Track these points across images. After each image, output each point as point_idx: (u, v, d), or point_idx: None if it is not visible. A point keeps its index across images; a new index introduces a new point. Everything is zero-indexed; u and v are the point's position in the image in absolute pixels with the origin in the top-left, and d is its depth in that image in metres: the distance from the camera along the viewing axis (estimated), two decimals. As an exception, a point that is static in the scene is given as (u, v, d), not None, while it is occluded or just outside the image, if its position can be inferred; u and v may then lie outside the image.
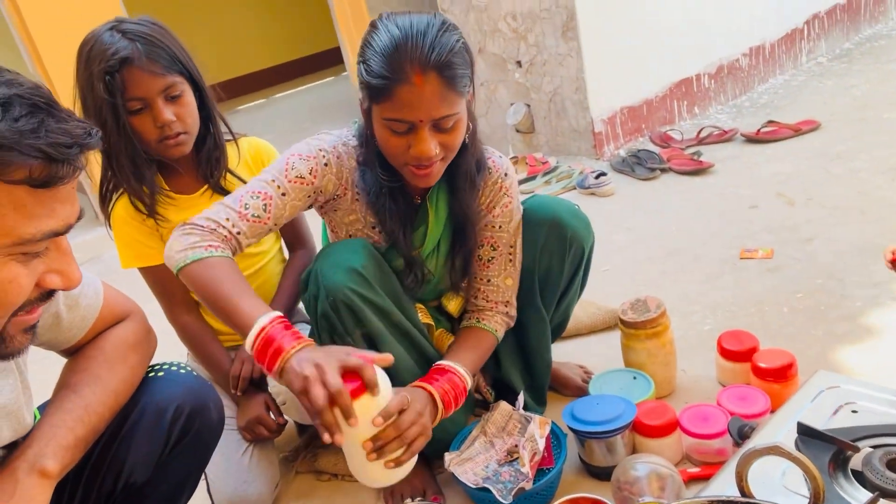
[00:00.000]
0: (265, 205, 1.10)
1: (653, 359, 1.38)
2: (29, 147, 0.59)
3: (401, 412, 1.01)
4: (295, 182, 1.13)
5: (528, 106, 3.01)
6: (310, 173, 1.14)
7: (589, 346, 1.65)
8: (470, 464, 1.23)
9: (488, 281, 1.29)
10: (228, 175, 1.37)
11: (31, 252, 0.65)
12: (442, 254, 1.28)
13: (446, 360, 1.20)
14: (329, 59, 5.92)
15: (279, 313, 1.00)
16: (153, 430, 0.93)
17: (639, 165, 2.64)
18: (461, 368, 1.18)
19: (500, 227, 1.26)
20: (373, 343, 1.17)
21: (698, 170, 2.53)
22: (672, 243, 2.07)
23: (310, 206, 1.21)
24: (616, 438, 1.20)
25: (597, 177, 2.57)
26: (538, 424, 1.22)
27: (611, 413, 1.21)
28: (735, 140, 2.79)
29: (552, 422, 1.26)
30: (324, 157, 1.15)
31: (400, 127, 1.04)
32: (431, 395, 1.11)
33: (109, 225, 1.34)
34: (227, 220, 1.08)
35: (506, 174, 1.25)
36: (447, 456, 1.23)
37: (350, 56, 3.74)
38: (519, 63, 2.95)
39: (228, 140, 1.39)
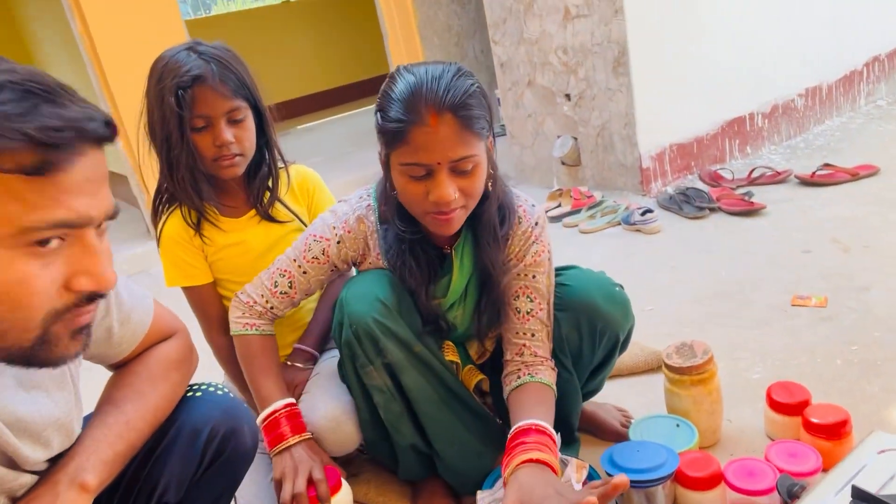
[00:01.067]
0: (290, 282, 1.25)
1: (698, 407, 1.33)
2: (12, 131, 0.57)
3: None
4: (312, 262, 1.23)
5: (576, 139, 3.00)
6: (323, 254, 1.22)
7: (629, 387, 1.61)
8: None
9: (532, 335, 1.22)
10: (277, 203, 1.39)
11: (39, 241, 0.61)
12: (469, 303, 1.25)
13: (524, 419, 1.12)
14: (379, 85, 6.03)
15: (291, 400, 1.23)
16: (188, 451, 0.93)
17: (687, 203, 2.59)
18: (543, 423, 1.10)
19: (534, 276, 1.22)
20: (394, 373, 1.17)
21: (749, 211, 2.47)
22: (720, 285, 2.01)
23: (339, 275, 1.31)
24: (657, 489, 1.15)
25: (643, 213, 2.53)
26: (575, 468, 1.18)
27: (652, 461, 1.17)
28: (789, 182, 2.72)
29: (590, 466, 1.22)
30: (336, 235, 1.20)
31: (417, 171, 1.04)
32: (543, 462, 1.05)
33: (158, 242, 1.37)
34: (262, 296, 1.26)
35: (536, 223, 1.21)
36: (479, 494, 1.19)
37: (400, 84, 3.80)
38: (568, 96, 2.95)
39: (280, 167, 1.41)
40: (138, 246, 3.18)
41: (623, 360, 1.64)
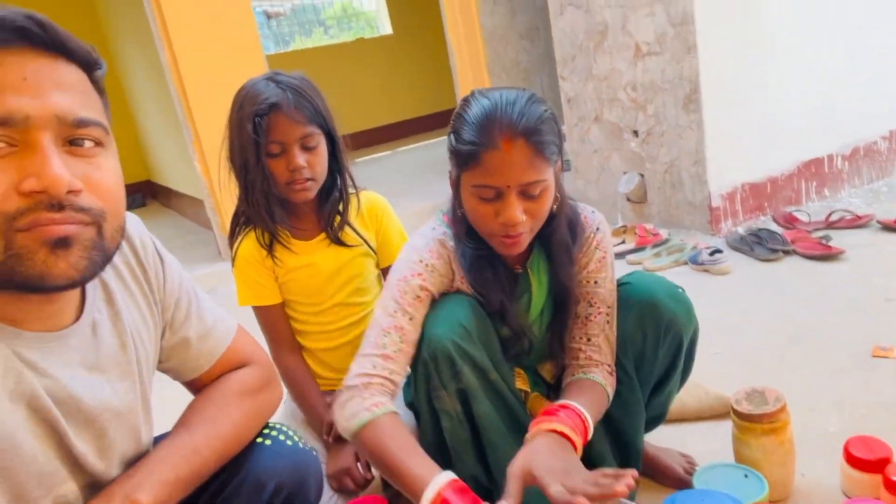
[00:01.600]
0: (400, 336, 1.14)
1: (768, 457, 1.26)
2: None
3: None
4: (414, 303, 1.16)
5: (642, 176, 2.96)
6: (422, 289, 1.16)
7: (695, 433, 1.54)
8: None
9: (588, 340, 1.23)
10: (346, 227, 1.42)
11: None
12: (544, 322, 1.25)
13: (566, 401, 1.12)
14: (447, 119, 6.14)
15: (453, 476, 1.01)
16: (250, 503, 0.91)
17: (759, 245, 2.50)
18: (579, 406, 1.10)
19: (595, 282, 1.22)
20: (466, 400, 1.16)
21: (827, 255, 2.36)
22: (794, 331, 1.92)
23: None
24: (722, 541, 1.10)
25: (711, 253, 2.46)
26: None
27: (718, 512, 1.11)
28: (870, 227, 2.59)
29: None
30: (427, 265, 1.18)
31: (487, 193, 1.06)
32: (564, 435, 1.04)
33: (233, 262, 1.42)
34: (374, 367, 1.12)
35: (598, 228, 1.23)
36: None
37: (467, 117, 3.86)
38: (636, 133, 2.92)
39: (351, 193, 1.45)
40: (208, 266, 3.31)
41: (688, 403, 1.58)
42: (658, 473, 1.40)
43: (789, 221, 2.72)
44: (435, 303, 1.20)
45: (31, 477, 0.71)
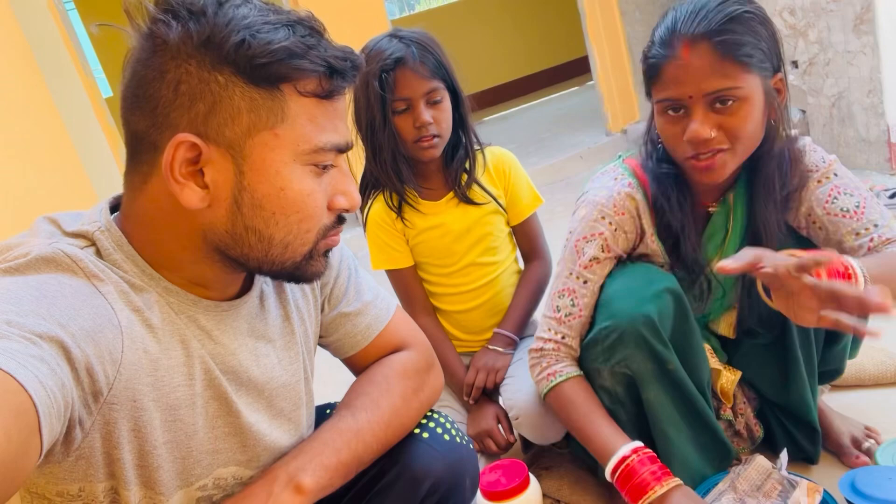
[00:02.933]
0: (572, 301, 1.12)
1: (975, 432, 1.08)
2: (316, 57, 0.66)
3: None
4: (591, 266, 1.11)
5: (804, 112, 2.64)
6: (603, 250, 1.11)
7: (874, 401, 1.36)
8: None
9: (876, 226, 1.04)
10: (474, 185, 1.38)
11: (321, 164, 0.70)
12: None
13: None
14: (574, 69, 5.89)
15: (639, 444, 1.05)
16: (403, 501, 0.89)
17: (952, 184, 2.15)
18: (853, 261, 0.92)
19: (835, 174, 1.07)
20: (631, 383, 1.10)
21: None
22: None
23: None
24: (917, 527, 0.95)
25: (892, 196, 2.16)
26: (805, 492, 1.02)
27: (911, 494, 0.96)
28: None
29: (825, 491, 1.04)
30: (611, 224, 1.10)
31: (673, 107, 0.98)
32: None
33: (364, 227, 1.43)
34: (549, 329, 1.15)
35: (803, 146, 1.07)
36: None
37: (598, 64, 3.64)
38: (795, 63, 2.60)
39: (476, 149, 1.41)
40: (346, 232, 3.43)
41: (866, 368, 1.39)
42: (823, 437, 1.24)
43: None
44: (626, 270, 1.12)
45: (199, 453, 0.73)
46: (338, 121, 0.70)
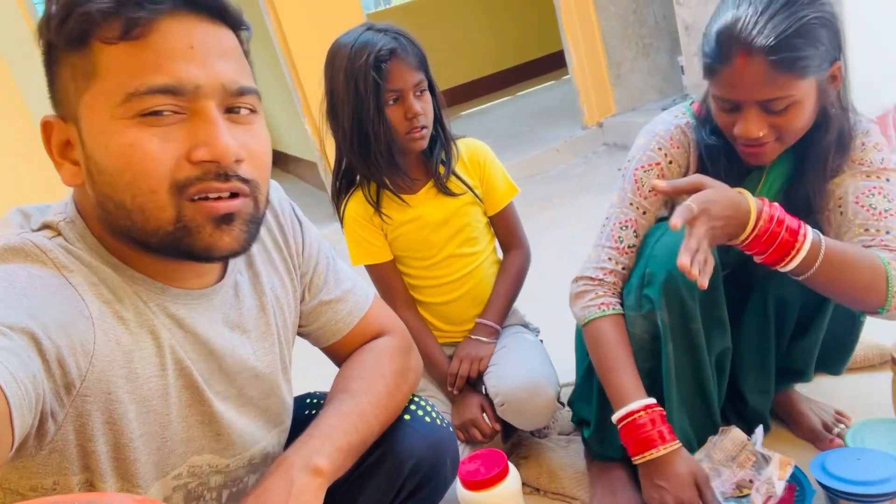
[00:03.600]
0: (635, 231, 1.15)
1: (938, 413, 1.12)
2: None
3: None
4: (650, 196, 1.14)
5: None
6: (661, 177, 1.14)
7: (845, 385, 1.40)
8: None
9: (888, 232, 1.06)
10: (452, 175, 1.39)
11: (146, 111, 0.62)
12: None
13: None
14: (550, 63, 5.91)
15: (652, 401, 1.08)
16: (387, 481, 0.91)
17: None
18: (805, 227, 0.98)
19: (888, 179, 1.08)
20: (657, 334, 1.12)
21: None
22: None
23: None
24: (884, 506, 0.99)
25: None
26: (778, 465, 1.05)
27: (878, 473, 1.00)
28: None
29: (795, 466, 1.08)
30: (667, 155, 1.14)
31: (726, 105, 1.02)
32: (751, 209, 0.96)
33: (341, 223, 1.43)
34: (610, 259, 1.16)
35: (867, 132, 1.09)
36: None
37: (574, 58, 3.66)
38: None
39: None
40: (324, 227, 3.42)
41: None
42: (792, 421, 1.28)
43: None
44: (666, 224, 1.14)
45: (173, 443, 0.73)
46: (165, 59, 0.62)
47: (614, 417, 1.10)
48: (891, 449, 1.08)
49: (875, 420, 1.18)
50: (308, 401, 1.00)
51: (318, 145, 3.39)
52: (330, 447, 0.77)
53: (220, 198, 0.66)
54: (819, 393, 1.37)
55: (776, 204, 0.99)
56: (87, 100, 0.64)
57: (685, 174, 1.15)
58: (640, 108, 3.76)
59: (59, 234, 0.68)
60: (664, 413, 1.09)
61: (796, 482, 1.09)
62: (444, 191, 1.38)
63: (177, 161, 0.64)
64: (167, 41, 0.63)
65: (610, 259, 1.15)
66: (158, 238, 0.66)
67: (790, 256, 0.97)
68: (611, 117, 3.72)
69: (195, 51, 0.64)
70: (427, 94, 1.32)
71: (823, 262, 0.97)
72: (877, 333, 1.42)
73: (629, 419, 1.07)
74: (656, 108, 3.54)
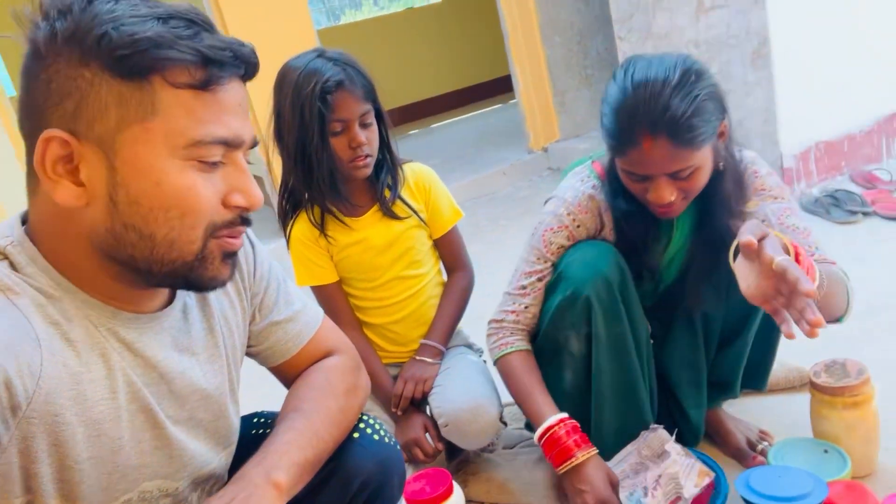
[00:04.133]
0: (539, 278, 1.26)
1: (851, 432, 1.20)
2: (185, 47, 0.64)
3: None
4: (558, 252, 1.25)
5: (707, 138, 2.83)
6: (568, 239, 1.24)
7: (768, 406, 1.48)
8: (619, 487, 1.18)
9: (818, 248, 1.18)
10: (397, 199, 1.41)
11: (206, 160, 0.67)
12: (672, 269, 1.27)
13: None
14: (498, 87, 6.03)
15: (565, 415, 1.19)
16: (336, 497, 0.90)
17: (836, 207, 2.36)
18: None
19: (781, 198, 1.20)
20: (589, 345, 1.21)
21: (911, 216, 2.21)
22: (877, 298, 1.80)
23: None
24: (802, 520, 1.05)
25: (783, 217, 2.33)
26: (697, 473, 1.12)
27: (797, 489, 1.06)
28: (960, 183, 2.40)
29: (719, 475, 1.15)
30: (575, 220, 1.23)
31: (635, 178, 1.09)
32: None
33: (288, 244, 1.43)
34: (514, 303, 1.28)
35: (771, 188, 1.20)
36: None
37: (520, 84, 3.76)
38: (699, 92, 2.78)
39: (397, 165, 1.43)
40: (272, 242, 3.37)
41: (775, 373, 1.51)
42: (719, 438, 1.35)
43: (869, 181, 2.56)
44: (578, 247, 1.23)
45: (125, 468, 0.72)
46: (225, 114, 0.67)
47: (535, 437, 1.19)
48: (809, 467, 1.15)
49: (796, 439, 1.25)
50: (255, 420, 0.99)
51: (265, 162, 3.36)
52: (287, 462, 0.77)
53: (233, 236, 0.72)
54: (745, 413, 1.44)
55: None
56: (138, 133, 0.64)
57: (596, 233, 1.26)
58: (583, 135, 3.88)
59: (6, 258, 0.67)
60: (577, 424, 1.19)
61: (715, 481, 1.17)
62: (390, 214, 1.40)
63: (217, 204, 0.69)
64: (228, 97, 0.68)
65: (514, 303, 1.27)
66: (173, 268, 0.69)
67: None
68: (555, 143, 3.82)
69: (241, 108, 0.70)
70: (373, 125, 1.33)
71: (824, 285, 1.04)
72: (798, 357, 1.52)
73: (548, 434, 1.17)
74: (598, 136, 3.66)
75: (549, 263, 1.25)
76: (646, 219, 1.19)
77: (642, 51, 2.94)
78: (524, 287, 1.26)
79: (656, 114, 1.00)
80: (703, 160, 1.06)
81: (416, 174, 1.46)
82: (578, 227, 1.24)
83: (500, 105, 5.84)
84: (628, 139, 1.03)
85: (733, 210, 1.16)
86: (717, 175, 1.12)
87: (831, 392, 1.20)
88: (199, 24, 0.66)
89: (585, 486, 1.15)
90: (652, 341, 1.34)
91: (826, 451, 1.19)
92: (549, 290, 1.25)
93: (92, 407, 0.68)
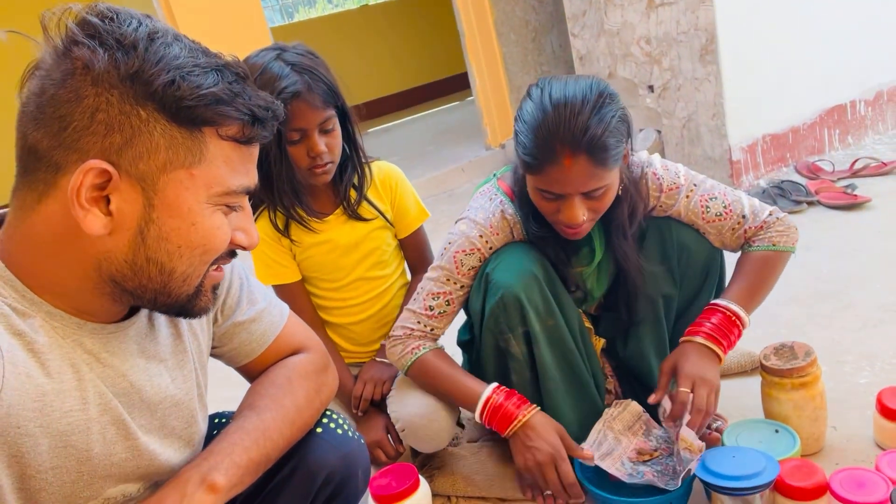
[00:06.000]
0: (447, 300, 1.26)
1: (799, 412, 1.25)
2: (242, 105, 0.68)
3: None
4: (469, 273, 1.26)
5: (659, 132, 2.90)
6: (480, 261, 1.25)
7: (722, 390, 1.50)
8: (609, 459, 1.22)
9: (743, 217, 1.26)
10: (363, 201, 1.40)
11: (232, 205, 0.72)
12: (603, 274, 1.30)
13: (721, 298, 1.25)
14: (455, 84, 6.05)
15: (496, 383, 1.21)
16: (300, 492, 0.91)
17: (782, 198, 2.45)
18: (727, 303, 1.22)
19: (695, 185, 1.26)
20: (530, 342, 1.23)
21: (852, 204, 2.31)
22: (820, 284, 1.88)
23: None
24: (755, 497, 1.09)
25: (733, 208, 2.41)
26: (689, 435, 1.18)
27: (750, 468, 1.10)
28: (895, 174, 2.52)
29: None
30: (487, 242, 1.24)
31: (550, 196, 1.11)
32: (700, 345, 1.20)
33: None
34: (419, 323, 1.27)
35: (655, 171, 1.26)
36: (586, 446, 1.23)
37: (477, 82, 3.79)
38: (651, 88, 2.85)
39: (364, 163, 1.41)
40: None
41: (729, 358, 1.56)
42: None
43: (813, 172, 2.66)
44: (500, 252, 1.24)
45: (90, 478, 0.71)
46: (250, 165, 0.72)
47: (476, 414, 1.21)
48: (762, 446, 1.20)
49: (748, 420, 1.29)
50: (216, 420, 0.98)
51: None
52: (228, 463, 0.77)
53: (219, 269, 0.76)
54: (700, 398, 1.49)
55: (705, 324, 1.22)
56: (183, 177, 0.67)
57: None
58: (539, 131, 3.92)
59: None
60: (512, 390, 1.21)
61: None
62: (355, 216, 1.39)
63: (225, 241, 0.73)
64: (255, 150, 0.73)
65: (419, 322, 1.27)
66: (178, 300, 0.73)
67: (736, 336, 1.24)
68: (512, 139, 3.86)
69: (256, 159, 0.74)
70: (336, 129, 1.30)
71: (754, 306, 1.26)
72: (749, 343, 1.57)
73: (487, 406, 1.19)
74: (555, 131, 3.70)
75: (458, 285, 1.25)
76: (558, 241, 1.22)
77: (597, 48, 3.00)
78: (431, 308, 1.26)
79: (576, 132, 1.03)
80: (613, 179, 1.11)
81: (384, 172, 1.44)
82: (490, 248, 1.24)
83: (457, 102, 5.86)
84: (548, 157, 1.05)
85: (629, 237, 1.24)
86: (616, 198, 1.18)
87: (780, 374, 1.25)
88: (244, 78, 0.70)
89: (534, 442, 1.16)
90: (603, 340, 1.39)
91: (777, 431, 1.24)
92: (478, 296, 1.25)
93: (59, 418, 0.67)
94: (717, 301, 1.24)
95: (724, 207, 1.26)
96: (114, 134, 0.63)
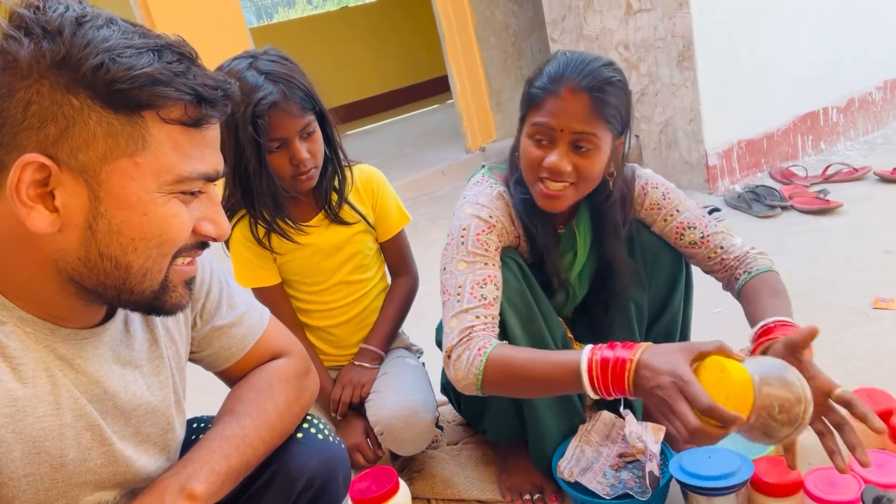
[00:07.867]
0: (495, 284, 1.17)
1: (773, 413, 1.27)
2: (182, 85, 0.64)
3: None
4: (496, 254, 1.20)
5: (637, 137, 2.93)
6: (499, 238, 1.21)
7: (698, 392, 1.55)
8: (590, 473, 1.22)
9: (721, 248, 1.28)
10: (344, 204, 1.39)
11: (188, 192, 0.68)
12: (583, 281, 1.32)
13: (766, 317, 1.16)
14: (435, 88, 6.06)
15: (591, 345, 1.01)
16: (280, 499, 0.90)
17: (756, 202, 2.49)
18: (786, 318, 1.17)
19: (677, 210, 1.28)
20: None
21: (824, 209, 2.36)
22: (794, 288, 1.88)
23: None
24: (731, 496, 1.11)
25: (709, 212, 2.44)
26: (652, 432, 1.19)
27: (725, 468, 1.12)
28: (867, 179, 2.58)
29: (666, 456, 1.21)
30: (497, 221, 1.21)
31: (543, 134, 1.12)
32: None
33: (227, 245, 1.40)
34: (477, 318, 1.14)
35: (644, 184, 1.29)
36: (564, 464, 1.23)
37: (457, 85, 3.80)
38: (629, 93, 2.88)
39: (345, 165, 1.40)
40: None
41: (691, 363, 1.58)
42: (650, 418, 1.41)
43: (786, 177, 2.71)
44: None
45: (65, 485, 0.70)
46: (206, 149, 0.68)
47: (585, 386, 0.99)
48: (736, 447, 1.21)
49: (723, 422, 1.31)
50: (195, 425, 0.97)
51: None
52: (207, 471, 0.76)
53: (191, 262, 0.73)
54: (677, 399, 1.50)
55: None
56: (127, 166, 0.63)
57: (514, 239, 1.25)
58: (519, 135, 3.95)
59: None
60: (611, 342, 1.01)
61: (665, 455, 1.23)
62: (337, 220, 1.37)
63: (187, 230, 0.69)
64: (210, 133, 0.68)
65: (477, 316, 1.13)
66: (142, 296, 0.69)
67: None
68: (492, 143, 3.88)
69: (216, 143, 0.71)
70: (316, 133, 1.28)
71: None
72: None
73: (594, 369, 0.98)
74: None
75: (496, 266, 1.18)
76: (546, 222, 1.24)
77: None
78: (484, 297, 1.15)
79: (585, 74, 1.10)
80: (603, 143, 1.12)
81: (365, 176, 1.43)
82: (502, 228, 1.21)
83: (437, 105, 5.87)
84: (553, 89, 1.11)
85: (620, 234, 1.26)
86: (605, 189, 1.20)
87: (755, 375, 1.26)
88: (189, 57, 0.66)
89: (651, 381, 0.92)
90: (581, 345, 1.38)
91: (751, 432, 1.26)
92: None
93: (32, 423, 0.66)
94: (779, 317, 1.16)
95: (702, 237, 1.28)
96: (48, 125, 0.60)
